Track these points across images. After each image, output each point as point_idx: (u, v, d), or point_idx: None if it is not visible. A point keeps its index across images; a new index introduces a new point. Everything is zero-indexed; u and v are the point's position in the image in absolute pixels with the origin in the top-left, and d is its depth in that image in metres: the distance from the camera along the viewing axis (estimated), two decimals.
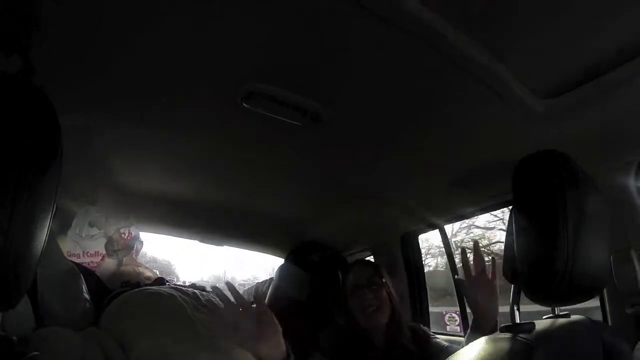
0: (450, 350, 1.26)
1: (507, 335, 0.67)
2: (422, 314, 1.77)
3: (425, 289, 1.79)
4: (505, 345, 0.65)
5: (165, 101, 0.92)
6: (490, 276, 1.09)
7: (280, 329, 0.95)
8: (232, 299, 0.94)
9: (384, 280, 1.34)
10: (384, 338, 1.30)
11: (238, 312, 0.92)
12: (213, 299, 1.09)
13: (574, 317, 0.78)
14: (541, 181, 0.68)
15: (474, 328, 1.12)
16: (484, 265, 1.11)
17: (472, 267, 1.11)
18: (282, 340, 0.96)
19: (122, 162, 1.24)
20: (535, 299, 0.72)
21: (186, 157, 1.20)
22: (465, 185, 1.26)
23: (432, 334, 1.39)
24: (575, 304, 0.77)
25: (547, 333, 0.68)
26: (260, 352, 0.92)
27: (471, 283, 1.09)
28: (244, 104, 0.90)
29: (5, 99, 0.42)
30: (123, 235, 1.20)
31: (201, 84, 0.86)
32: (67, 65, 0.78)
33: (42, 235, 0.45)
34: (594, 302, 1.04)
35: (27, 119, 0.42)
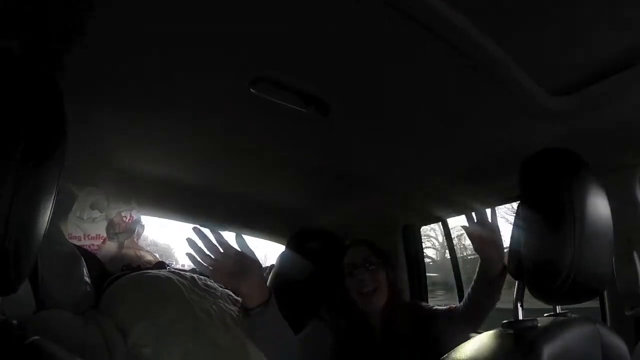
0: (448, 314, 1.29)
1: (510, 331, 0.67)
2: None
3: (426, 282, 1.79)
4: (508, 342, 0.66)
5: (169, 83, 0.91)
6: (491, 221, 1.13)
7: (261, 267, 1.02)
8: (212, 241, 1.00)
9: (381, 260, 1.34)
10: (381, 321, 1.30)
11: (218, 251, 0.99)
12: (211, 283, 1.10)
13: (574, 316, 0.78)
14: (549, 179, 0.68)
15: (480, 273, 1.14)
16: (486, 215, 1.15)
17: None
18: (263, 280, 1.03)
19: (124, 144, 1.23)
20: (539, 296, 0.72)
21: (189, 141, 1.19)
22: (470, 179, 1.25)
23: (434, 308, 1.39)
24: (577, 303, 0.77)
25: (548, 330, 0.69)
26: (242, 290, 0.99)
27: (475, 228, 1.13)
28: (250, 89, 0.88)
29: (11, 79, 0.41)
30: (124, 219, 1.20)
31: (207, 67, 0.85)
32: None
33: (44, 219, 0.45)
34: (593, 303, 1.04)
35: (33, 100, 0.41)
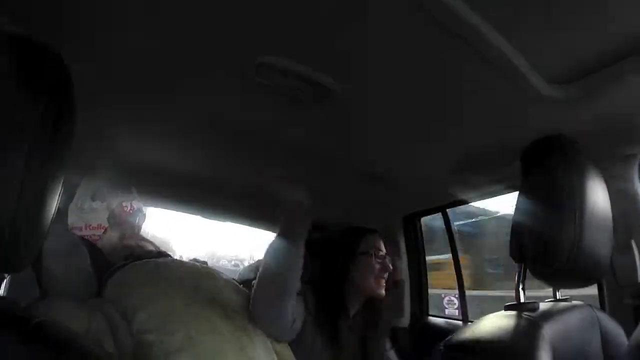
0: None
1: (513, 312, 0.69)
2: (421, 297, 1.79)
3: (426, 271, 1.80)
4: (512, 321, 0.68)
5: (170, 71, 0.90)
6: None
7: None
8: None
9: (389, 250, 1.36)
10: (360, 310, 1.31)
11: None
12: (214, 273, 1.11)
13: (574, 302, 0.81)
14: (549, 165, 0.70)
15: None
16: None
17: None
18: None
19: (125, 133, 1.22)
20: (540, 277, 0.74)
21: (190, 130, 1.18)
22: (471, 169, 1.25)
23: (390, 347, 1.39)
24: (577, 287, 0.80)
25: (550, 313, 0.71)
26: None
27: None
28: (255, 77, 0.88)
29: (24, 62, 0.41)
30: (125, 209, 1.20)
31: (209, 52, 0.84)
32: (68, 34, 0.76)
33: (53, 203, 0.45)
34: (592, 290, 1.05)
35: (44, 83, 0.42)
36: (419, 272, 1.79)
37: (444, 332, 1.33)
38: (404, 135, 1.13)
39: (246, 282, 1.22)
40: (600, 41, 0.77)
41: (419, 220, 1.79)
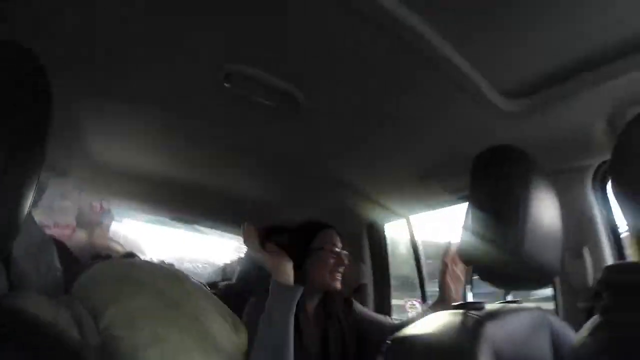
0: (388, 326, 1.34)
1: (460, 311, 0.73)
2: (384, 305, 1.82)
3: (389, 279, 1.85)
4: (456, 319, 0.70)
5: (143, 76, 0.92)
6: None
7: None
8: None
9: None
10: (319, 304, 1.34)
11: None
12: (181, 275, 1.12)
13: (524, 305, 0.84)
14: (496, 173, 0.74)
15: (436, 304, 1.19)
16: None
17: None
18: None
19: (96, 134, 1.23)
20: (487, 280, 0.78)
21: (160, 134, 1.20)
22: (433, 178, 1.32)
23: (370, 315, 1.43)
24: (524, 290, 0.85)
25: (494, 313, 0.74)
26: None
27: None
28: (224, 84, 0.91)
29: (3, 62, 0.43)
30: (95, 209, 1.21)
31: (181, 59, 0.87)
32: (44, 33, 0.78)
33: (28, 199, 0.47)
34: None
35: (20, 81, 0.44)
36: (383, 277, 1.84)
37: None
38: (368, 145, 1.19)
39: (213, 285, 1.25)
40: (553, 57, 0.84)
41: (383, 227, 1.85)
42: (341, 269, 1.31)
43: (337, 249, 1.32)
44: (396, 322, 1.38)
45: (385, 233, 1.86)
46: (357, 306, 1.42)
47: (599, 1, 0.71)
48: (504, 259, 0.71)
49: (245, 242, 1.19)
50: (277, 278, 1.13)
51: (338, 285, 1.30)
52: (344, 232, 1.69)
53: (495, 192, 0.74)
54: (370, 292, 1.82)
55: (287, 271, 1.15)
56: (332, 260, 1.30)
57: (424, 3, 0.71)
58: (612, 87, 0.87)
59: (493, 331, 0.67)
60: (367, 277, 1.81)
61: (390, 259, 1.86)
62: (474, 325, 0.68)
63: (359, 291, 1.76)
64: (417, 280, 1.78)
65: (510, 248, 0.70)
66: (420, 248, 1.78)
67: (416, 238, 1.77)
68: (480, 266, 0.77)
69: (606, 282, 0.58)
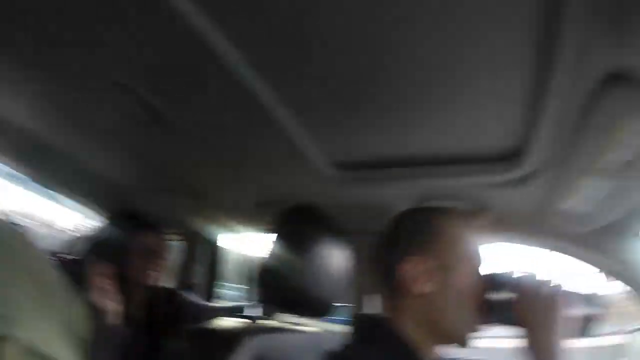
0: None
1: (243, 320, 1.01)
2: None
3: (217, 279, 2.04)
4: (238, 323, 0.98)
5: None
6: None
7: None
8: None
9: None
10: (145, 296, 1.44)
11: None
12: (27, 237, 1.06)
13: (301, 325, 1.08)
14: (293, 229, 0.93)
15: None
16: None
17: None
18: None
19: None
20: (269, 304, 0.99)
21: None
22: (261, 209, 1.48)
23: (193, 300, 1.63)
24: (302, 316, 1.00)
25: (268, 326, 1.01)
26: None
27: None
28: (103, 93, 0.92)
29: None
30: None
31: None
32: None
33: None
34: None
35: None
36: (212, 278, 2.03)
37: None
38: (213, 166, 1.27)
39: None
40: (389, 145, 0.99)
41: (217, 237, 2.01)
42: (157, 267, 1.43)
43: (153, 249, 1.43)
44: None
45: (218, 243, 2.03)
46: (182, 296, 1.59)
47: (441, 120, 0.87)
48: (291, 287, 0.88)
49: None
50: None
51: (153, 280, 1.42)
52: (185, 234, 1.87)
53: (292, 240, 0.91)
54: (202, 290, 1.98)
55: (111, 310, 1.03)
56: (147, 259, 1.41)
57: (267, 67, 0.74)
58: (417, 184, 1.11)
59: (257, 339, 0.89)
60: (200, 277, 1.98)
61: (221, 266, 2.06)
62: (245, 327, 0.96)
63: (191, 288, 1.89)
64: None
65: (292, 286, 0.88)
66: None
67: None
68: (271, 293, 0.93)
69: None
